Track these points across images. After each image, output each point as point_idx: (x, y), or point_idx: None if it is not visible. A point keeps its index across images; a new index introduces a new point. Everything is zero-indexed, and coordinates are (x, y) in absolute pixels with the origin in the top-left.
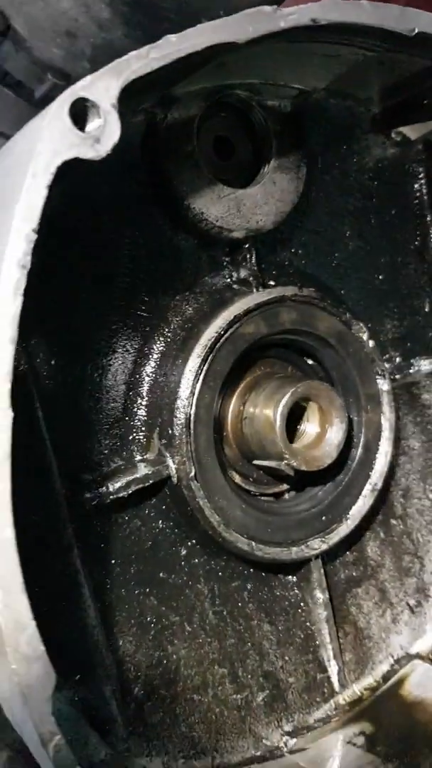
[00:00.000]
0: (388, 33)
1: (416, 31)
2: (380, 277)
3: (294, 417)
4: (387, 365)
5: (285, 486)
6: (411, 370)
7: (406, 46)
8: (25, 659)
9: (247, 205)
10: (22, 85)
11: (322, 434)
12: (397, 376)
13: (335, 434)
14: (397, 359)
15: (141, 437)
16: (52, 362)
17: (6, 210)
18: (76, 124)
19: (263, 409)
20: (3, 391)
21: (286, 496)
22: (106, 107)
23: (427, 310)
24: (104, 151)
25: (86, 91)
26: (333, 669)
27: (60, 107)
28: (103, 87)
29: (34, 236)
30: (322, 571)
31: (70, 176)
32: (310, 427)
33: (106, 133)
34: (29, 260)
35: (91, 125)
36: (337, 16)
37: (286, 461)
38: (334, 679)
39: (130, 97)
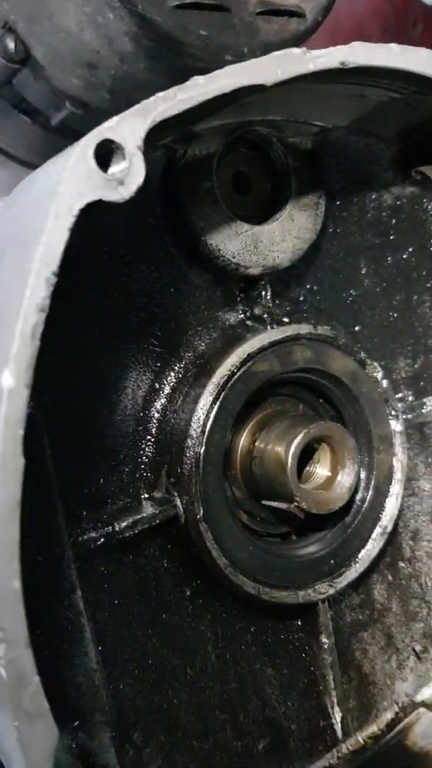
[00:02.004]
0: (414, 76)
1: None
2: (395, 314)
3: (303, 456)
4: (399, 404)
5: (293, 527)
6: (423, 410)
7: None
8: (27, 716)
9: (265, 242)
10: (38, 111)
11: (333, 476)
12: (409, 416)
13: (347, 477)
14: (410, 398)
15: (148, 475)
16: (61, 398)
17: (26, 250)
18: (100, 165)
19: (274, 449)
20: (16, 437)
21: (294, 537)
22: (132, 149)
23: None
24: (128, 194)
25: (112, 132)
26: (336, 716)
27: (85, 148)
28: (129, 128)
29: (54, 279)
30: (329, 615)
31: (89, 213)
32: (320, 468)
33: (130, 175)
34: (48, 304)
35: (116, 167)
36: (366, 59)
37: (296, 503)
38: (338, 727)
39: (154, 138)
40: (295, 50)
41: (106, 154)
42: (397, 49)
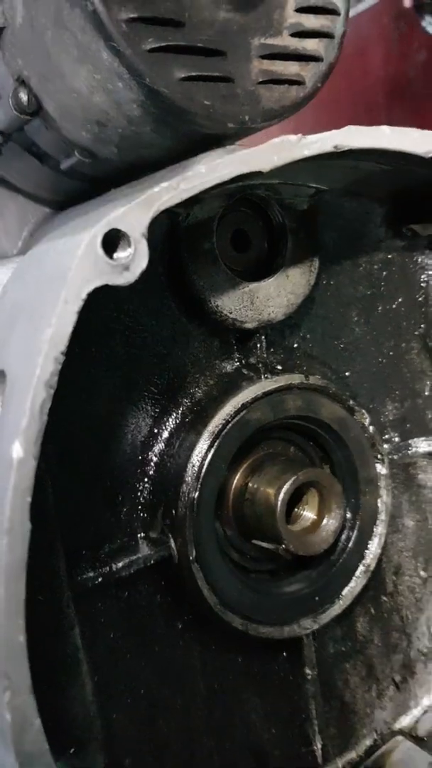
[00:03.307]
0: (406, 154)
1: None
2: (384, 360)
3: (294, 497)
4: (386, 446)
5: (281, 564)
6: (409, 451)
7: (424, 164)
8: (29, 758)
9: (260, 298)
10: (48, 156)
11: (319, 520)
12: (395, 457)
13: (333, 521)
14: (396, 439)
15: (145, 515)
16: (64, 445)
17: (35, 330)
18: (107, 252)
19: (265, 493)
20: (24, 505)
21: (281, 573)
22: (137, 237)
23: (427, 393)
24: (132, 278)
25: (119, 221)
26: (318, 743)
27: (94, 237)
28: (134, 218)
29: (62, 358)
30: (313, 648)
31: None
32: (308, 511)
33: (135, 261)
34: (56, 380)
35: (121, 253)
36: (359, 143)
37: (284, 545)
38: (318, 753)
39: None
40: (292, 137)
41: (112, 241)
42: (388, 131)
